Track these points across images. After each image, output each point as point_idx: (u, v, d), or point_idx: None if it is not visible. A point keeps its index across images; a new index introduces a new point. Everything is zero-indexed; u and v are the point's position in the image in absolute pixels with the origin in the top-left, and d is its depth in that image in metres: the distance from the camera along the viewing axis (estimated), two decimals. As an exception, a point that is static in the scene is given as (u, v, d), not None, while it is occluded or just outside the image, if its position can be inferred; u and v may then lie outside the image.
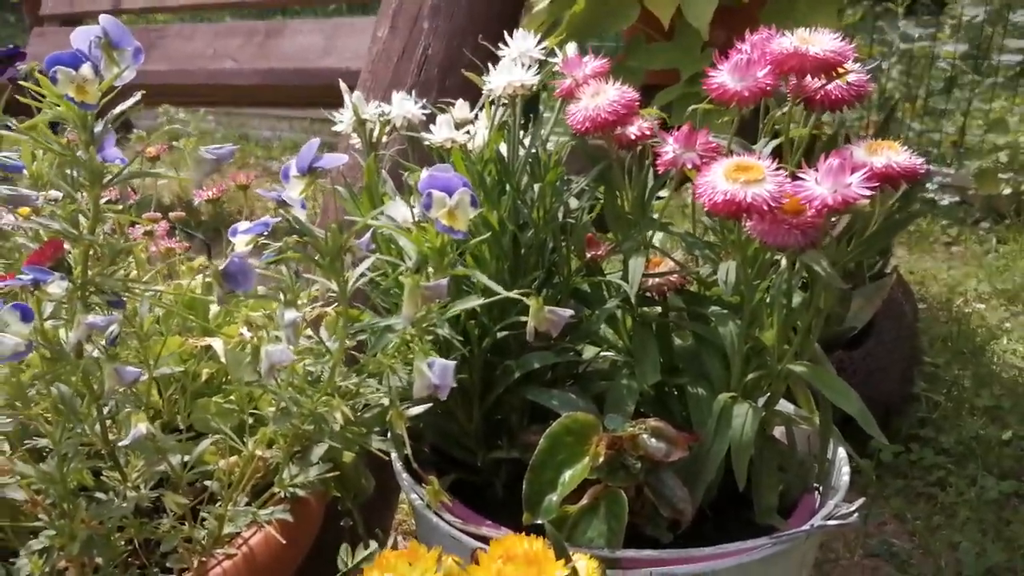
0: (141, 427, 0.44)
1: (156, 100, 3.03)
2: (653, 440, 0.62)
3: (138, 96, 0.53)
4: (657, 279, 0.73)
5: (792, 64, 0.62)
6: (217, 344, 0.57)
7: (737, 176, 0.57)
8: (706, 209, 0.58)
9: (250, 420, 0.56)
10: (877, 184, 0.58)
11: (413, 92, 1.00)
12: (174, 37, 2.24)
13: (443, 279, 0.45)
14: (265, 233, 0.46)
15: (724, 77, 0.63)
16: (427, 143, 0.66)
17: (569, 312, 0.54)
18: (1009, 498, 1.16)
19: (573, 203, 0.75)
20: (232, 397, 0.58)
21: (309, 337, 0.52)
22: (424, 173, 0.49)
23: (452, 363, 0.46)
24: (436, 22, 0.99)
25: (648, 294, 0.74)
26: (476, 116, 0.74)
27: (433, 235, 0.47)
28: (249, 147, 3.19)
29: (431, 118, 0.72)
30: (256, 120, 3.30)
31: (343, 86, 0.69)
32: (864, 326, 1.30)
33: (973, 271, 1.92)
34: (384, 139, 0.76)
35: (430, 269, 0.49)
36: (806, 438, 0.77)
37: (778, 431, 0.76)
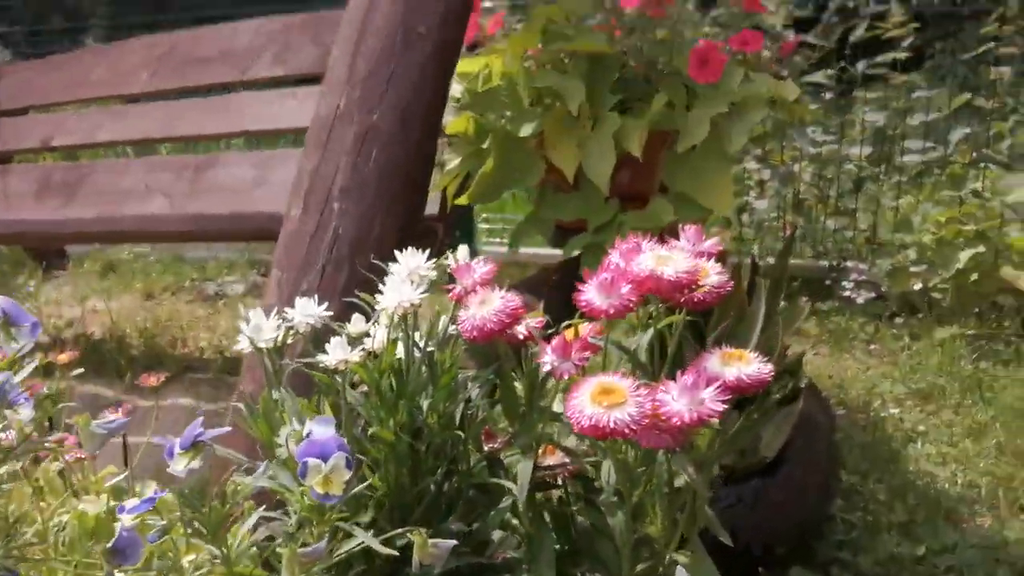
0: None
1: (88, 241, 3.02)
2: (547, 644, 0.65)
3: (34, 363, 0.56)
4: (553, 469, 0.78)
5: (649, 286, 0.68)
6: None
7: (601, 400, 0.63)
8: (575, 430, 0.63)
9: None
10: (729, 396, 0.64)
11: (325, 271, 1.05)
12: (103, 173, 2.27)
13: (321, 543, 0.49)
14: (151, 508, 0.49)
15: (592, 295, 0.69)
16: (322, 365, 0.71)
17: (451, 543, 0.57)
18: (925, 617, 1.21)
19: (474, 392, 0.80)
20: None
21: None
22: (307, 428, 0.53)
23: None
24: (346, 203, 1.05)
25: (545, 479, 0.79)
26: (378, 317, 0.79)
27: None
28: (184, 269, 3.20)
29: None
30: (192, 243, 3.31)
31: (242, 312, 0.73)
32: (781, 450, 1.36)
33: (889, 371, 2.01)
34: (289, 340, 0.80)
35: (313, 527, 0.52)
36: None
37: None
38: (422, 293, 0.73)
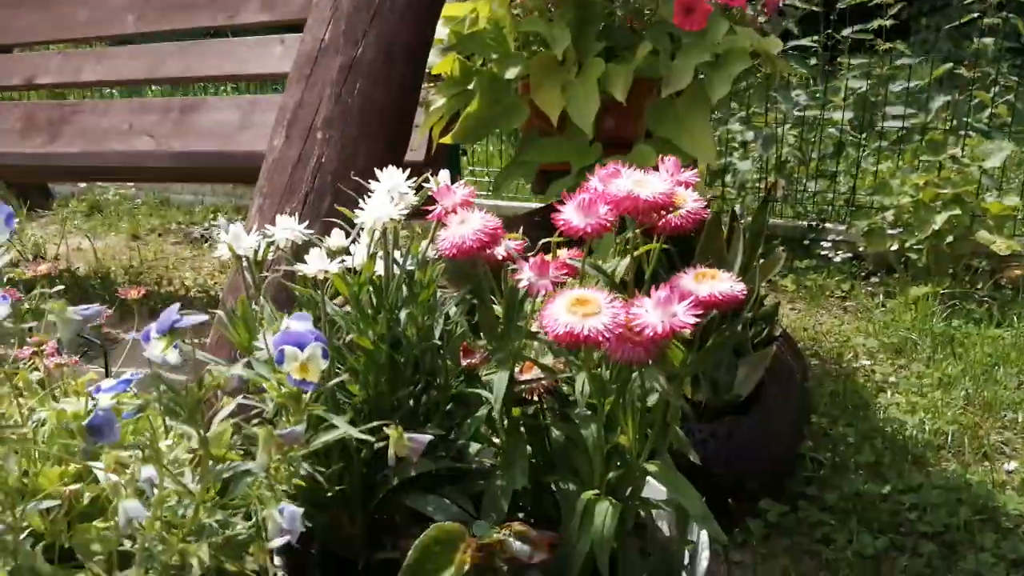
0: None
1: (72, 178, 3.00)
2: (518, 543, 0.67)
3: (8, 254, 0.57)
4: (529, 384, 0.80)
5: (627, 205, 0.69)
6: (98, 468, 0.60)
7: (576, 309, 0.64)
8: (550, 339, 0.65)
9: (129, 544, 0.59)
10: (702, 312, 0.66)
11: (308, 199, 1.06)
12: (89, 113, 2.25)
13: (298, 426, 0.50)
14: (128, 390, 0.50)
15: (570, 214, 0.71)
16: (300, 274, 0.72)
17: (428, 437, 0.59)
18: (887, 551, 1.25)
19: (452, 311, 0.81)
20: (112, 522, 0.61)
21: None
22: (283, 323, 0.54)
23: (300, 510, 0.50)
24: (329, 133, 1.06)
25: (522, 396, 0.81)
26: (358, 235, 0.80)
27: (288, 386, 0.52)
28: (171, 212, 3.18)
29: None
30: (178, 185, 3.30)
31: (221, 222, 0.74)
32: (755, 391, 1.39)
33: (863, 326, 2.05)
34: (270, 257, 0.81)
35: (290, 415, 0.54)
36: (670, 520, 0.84)
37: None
38: (402, 211, 0.74)
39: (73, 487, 0.59)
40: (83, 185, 3.31)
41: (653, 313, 0.64)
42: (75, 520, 0.66)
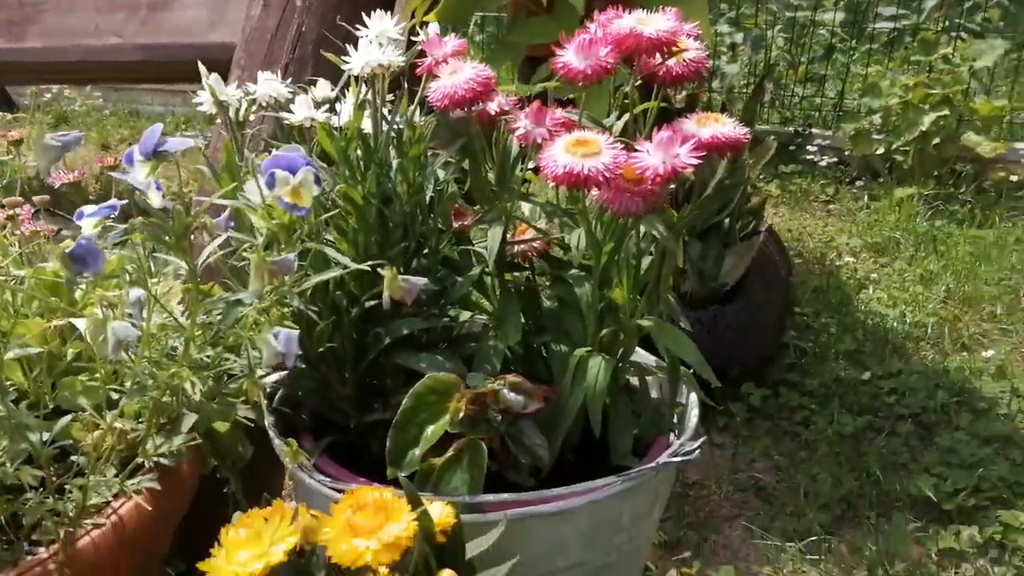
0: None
1: (37, 79, 2.87)
2: (512, 394, 0.67)
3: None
4: (522, 246, 0.78)
5: (629, 44, 0.66)
6: (80, 323, 0.58)
7: (576, 150, 0.62)
8: (548, 180, 0.63)
9: (115, 396, 0.58)
10: (704, 154, 0.64)
11: (288, 69, 1.01)
12: (53, 12, 2.14)
13: (290, 254, 0.48)
14: (112, 215, 0.48)
15: (570, 56, 0.67)
16: (286, 122, 0.68)
17: (423, 281, 0.57)
18: (864, 432, 1.28)
19: (441, 174, 0.79)
20: (97, 375, 0.60)
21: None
22: (273, 153, 0.51)
23: (296, 332, 0.49)
24: (309, 0, 1.00)
25: (515, 260, 0.79)
26: (344, 93, 0.77)
27: (280, 212, 0.50)
28: (140, 123, 3.07)
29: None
30: (148, 96, 3.18)
31: (202, 68, 0.70)
32: (739, 283, 1.40)
33: (847, 227, 2.05)
34: (251, 117, 0.78)
35: (282, 245, 0.52)
36: (661, 385, 0.84)
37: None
38: (393, 58, 0.70)
39: (57, 322, 0.57)
40: (48, 96, 3.19)
41: (655, 155, 0.62)
42: (58, 378, 0.64)
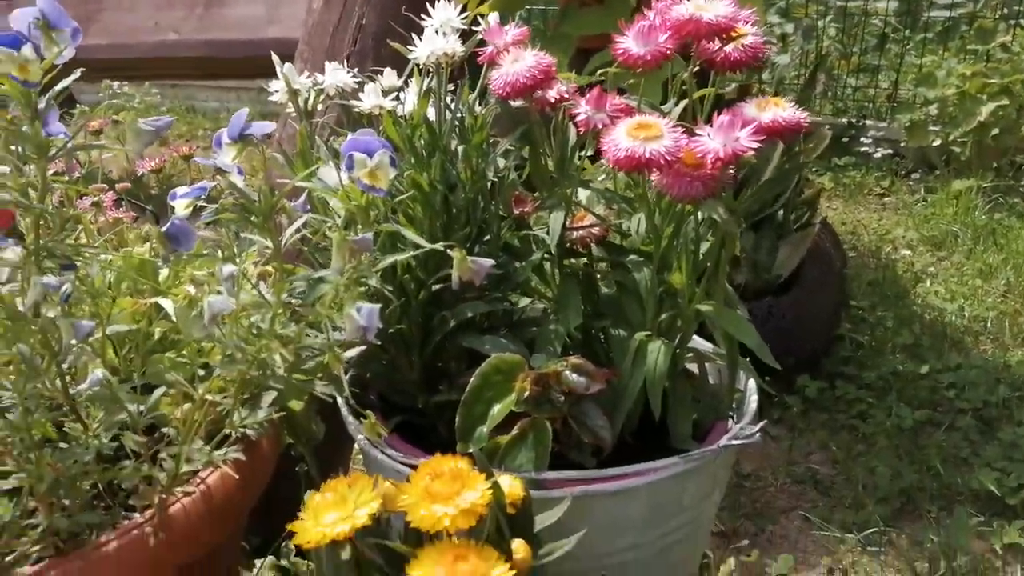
0: (98, 372, 0.49)
1: (98, 75, 2.98)
2: (574, 375, 0.68)
3: (78, 73, 0.56)
4: (581, 232, 0.79)
5: (688, 29, 0.67)
6: (167, 304, 0.61)
7: (637, 134, 0.63)
8: (610, 164, 0.64)
9: (201, 372, 0.61)
10: (764, 137, 0.64)
11: (350, 61, 1.04)
12: (113, 10, 2.22)
13: (368, 233, 0.50)
14: (203, 197, 0.50)
15: (629, 43, 0.69)
16: (356, 110, 0.71)
17: (490, 262, 0.59)
18: (923, 426, 1.26)
19: (501, 163, 0.80)
20: (184, 352, 0.63)
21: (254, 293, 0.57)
22: (349, 137, 0.53)
23: (377, 307, 0.51)
24: (370, -7, 1.03)
25: (573, 247, 0.80)
26: (407, 83, 0.79)
27: (358, 194, 0.52)
28: (196, 119, 3.16)
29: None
30: (203, 92, 3.27)
31: (275, 58, 0.73)
32: (793, 274, 1.39)
33: (903, 220, 2.02)
34: (319, 107, 0.80)
35: (359, 226, 0.54)
36: (719, 372, 0.85)
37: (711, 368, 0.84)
38: (457, 47, 0.72)
39: (146, 301, 0.61)
40: (105, 93, 3.29)
41: (715, 138, 0.63)
42: (146, 357, 0.68)
